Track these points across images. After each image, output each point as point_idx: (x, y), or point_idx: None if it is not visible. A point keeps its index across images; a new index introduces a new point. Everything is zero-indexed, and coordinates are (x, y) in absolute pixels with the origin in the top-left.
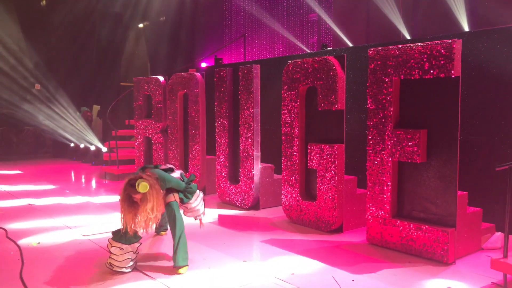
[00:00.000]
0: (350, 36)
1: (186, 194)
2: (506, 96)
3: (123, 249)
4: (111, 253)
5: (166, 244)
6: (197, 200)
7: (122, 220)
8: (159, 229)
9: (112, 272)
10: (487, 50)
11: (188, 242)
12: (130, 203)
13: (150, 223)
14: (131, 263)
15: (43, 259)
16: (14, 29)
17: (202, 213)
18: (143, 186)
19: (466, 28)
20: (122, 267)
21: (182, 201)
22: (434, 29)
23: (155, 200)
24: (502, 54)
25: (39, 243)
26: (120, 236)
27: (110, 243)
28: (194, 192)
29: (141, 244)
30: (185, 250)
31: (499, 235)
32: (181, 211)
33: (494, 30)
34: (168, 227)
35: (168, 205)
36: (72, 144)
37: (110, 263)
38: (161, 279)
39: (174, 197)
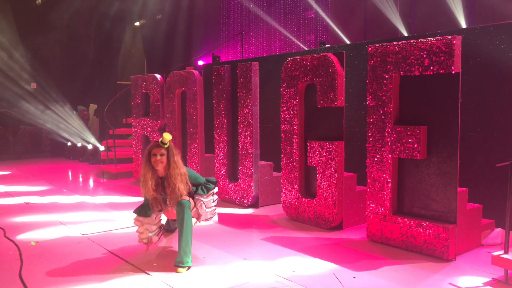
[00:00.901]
0: (347, 33)
1: (203, 187)
2: (506, 92)
3: (140, 221)
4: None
5: (167, 242)
6: (209, 197)
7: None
8: (168, 227)
9: (111, 270)
10: (486, 47)
11: None
12: (149, 164)
13: (182, 180)
14: (151, 234)
15: (42, 258)
16: (9, 27)
17: (207, 216)
18: (166, 134)
19: (463, 24)
20: (143, 239)
21: (196, 192)
22: (431, 26)
23: (178, 157)
24: (501, 50)
25: (37, 242)
26: (139, 209)
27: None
28: (211, 189)
29: (160, 213)
30: (189, 251)
31: (498, 231)
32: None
33: (493, 26)
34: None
35: (179, 204)
36: (69, 143)
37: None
38: (161, 277)
39: (188, 198)
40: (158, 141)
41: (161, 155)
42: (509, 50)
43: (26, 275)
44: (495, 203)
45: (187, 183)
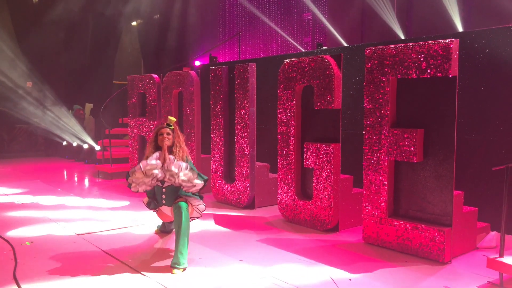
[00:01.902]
0: (344, 36)
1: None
2: (502, 96)
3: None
4: (133, 180)
5: (162, 243)
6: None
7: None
8: (164, 229)
9: (106, 270)
10: (482, 50)
11: None
12: (154, 146)
13: (182, 158)
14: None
15: (36, 258)
16: (6, 26)
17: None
18: (171, 117)
19: (460, 27)
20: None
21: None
22: (428, 29)
23: (182, 137)
24: (498, 54)
25: (32, 242)
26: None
27: (130, 178)
28: (201, 178)
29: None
30: (185, 252)
31: (493, 234)
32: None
33: (489, 30)
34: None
35: (177, 205)
36: (64, 143)
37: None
38: (156, 277)
39: (185, 199)
40: (164, 123)
41: (168, 134)
42: (506, 54)
43: (20, 275)
44: (491, 206)
45: (186, 159)
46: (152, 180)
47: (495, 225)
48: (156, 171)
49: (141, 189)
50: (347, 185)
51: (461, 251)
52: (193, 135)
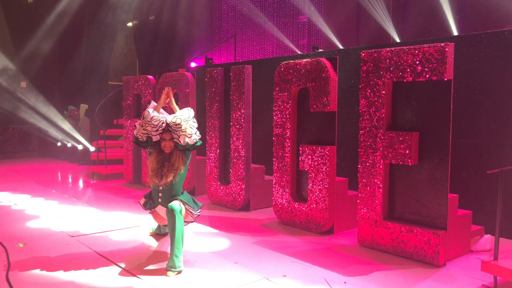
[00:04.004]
0: (340, 38)
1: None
2: (496, 100)
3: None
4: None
5: (158, 246)
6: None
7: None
8: (159, 231)
9: (101, 273)
10: (477, 54)
11: None
12: (157, 148)
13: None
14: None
15: (30, 261)
16: (0, 26)
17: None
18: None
19: (455, 31)
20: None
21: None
22: (423, 32)
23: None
24: (492, 58)
25: (25, 244)
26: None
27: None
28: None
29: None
30: (180, 255)
31: (487, 237)
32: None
33: (484, 34)
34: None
35: (170, 209)
36: (59, 143)
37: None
38: (151, 280)
39: (178, 202)
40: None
41: (170, 139)
42: (499, 58)
43: (13, 278)
44: (485, 210)
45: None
46: (149, 122)
47: (489, 228)
48: (151, 111)
49: (139, 133)
50: (342, 188)
51: (455, 254)
52: None
